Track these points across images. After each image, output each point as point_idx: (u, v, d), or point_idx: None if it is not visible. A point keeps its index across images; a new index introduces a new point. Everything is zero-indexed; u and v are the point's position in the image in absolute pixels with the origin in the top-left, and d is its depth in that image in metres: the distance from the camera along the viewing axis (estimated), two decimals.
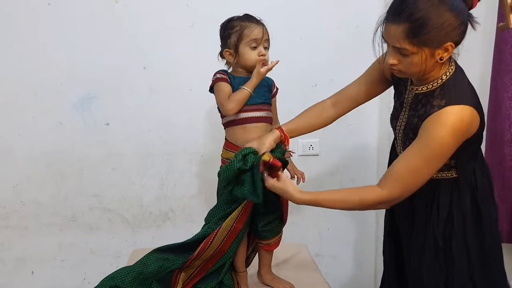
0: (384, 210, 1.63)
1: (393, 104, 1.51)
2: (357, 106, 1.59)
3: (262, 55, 1.50)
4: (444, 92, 1.31)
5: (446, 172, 1.37)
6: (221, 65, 1.59)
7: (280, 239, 1.63)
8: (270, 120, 1.58)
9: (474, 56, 2.11)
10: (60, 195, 2.14)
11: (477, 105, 1.30)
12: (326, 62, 2.12)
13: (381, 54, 1.34)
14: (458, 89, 1.31)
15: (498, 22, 1.84)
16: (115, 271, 1.53)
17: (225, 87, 1.51)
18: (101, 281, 1.51)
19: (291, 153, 1.62)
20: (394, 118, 1.49)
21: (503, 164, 1.93)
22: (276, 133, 1.51)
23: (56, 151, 2.10)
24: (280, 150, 1.49)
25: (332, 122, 1.61)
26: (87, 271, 2.21)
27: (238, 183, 1.45)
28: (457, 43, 1.26)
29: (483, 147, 2.02)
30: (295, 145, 2.18)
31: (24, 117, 2.06)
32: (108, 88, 2.07)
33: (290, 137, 1.55)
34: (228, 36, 1.51)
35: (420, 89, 1.35)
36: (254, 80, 1.49)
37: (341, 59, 2.09)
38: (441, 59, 1.26)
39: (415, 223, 1.46)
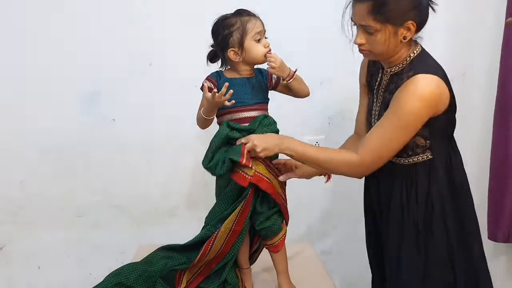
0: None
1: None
2: None
3: (267, 46, 1.49)
4: (412, 66, 1.38)
5: (421, 155, 1.41)
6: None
7: (284, 237, 1.58)
8: None
9: (482, 51, 2.09)
10: (66, 191, 2.15)
11: (445, 80, 1.35)
12: (332, 59, 2.10)
13: (350, 36, 1.42)
14: (425, 62, 1.39)
15: (507, 17, 1.82)
16: (120, 267, 1.54)
17: (204, 101, 1.50)
18: (106, 277, 1.51)
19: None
20: (369, 113, 1.54)
21: (506, 163, 1.91)
22: None
23: (62, 147, 2.11)
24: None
25: None
26: (93, 266, 2.21)
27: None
28: (419, 23, 1.34)
29: (489, 144, 2.01)
30: None
31: (31, 112, 2.07)
32: (114, 84, 2.07)
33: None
34: (230, 34, 1.47)
35: (393, 69, 1.43)
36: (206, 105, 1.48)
37: (347, 55, 2.08)
38: (404, 38, 1.34)
39: (391, 208, 1.48)
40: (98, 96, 2.08)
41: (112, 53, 2.04)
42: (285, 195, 1.57)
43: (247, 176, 1.42)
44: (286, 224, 1.59)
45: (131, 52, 2.05)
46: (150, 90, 2.09)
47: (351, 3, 1.37)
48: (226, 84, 1.42)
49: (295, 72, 1.54)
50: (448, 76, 1.39)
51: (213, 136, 1.51)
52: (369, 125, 1.55)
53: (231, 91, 1.42)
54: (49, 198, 2.14)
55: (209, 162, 1.47)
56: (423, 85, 1.31)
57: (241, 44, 1.47)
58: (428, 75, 1.32)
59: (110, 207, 2.18)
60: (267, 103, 1.58)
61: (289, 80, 1.53)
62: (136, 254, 1.86)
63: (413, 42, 1.41)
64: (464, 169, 1.50)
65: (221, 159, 1.44)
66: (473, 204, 1.51)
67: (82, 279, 2.20)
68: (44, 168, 2.12)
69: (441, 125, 1.38)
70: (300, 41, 2.08)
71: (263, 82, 1.57)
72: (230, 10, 1.53)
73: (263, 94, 1.56)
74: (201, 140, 2.15)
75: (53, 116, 2.08)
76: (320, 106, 2.14)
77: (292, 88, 1.57)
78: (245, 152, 1.38)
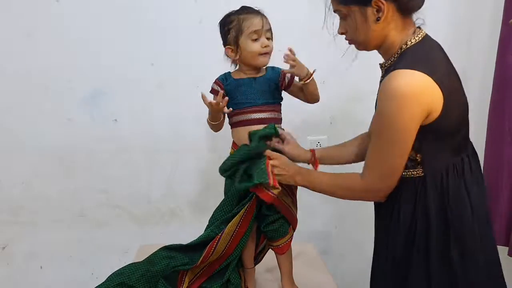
0: None
1: None
2: None
3: (265, 46, 1.44)
4: (401, 59, 1.19)
5: (411, 170, 1.22)
6: (228, 62, 1.56)
7: (290, 240, 1.57)
8: (276, 121, 1.52)
9: (478, 52, 2.08)
10: (68, 191, 2.15)
11: (439, 79, 1.13)
12: (334, 58, 2.09)
13: (333, 29, 1.33)
14: (415, 56, 1.17)
15: (505, 18, 1.81)
16: (123, 267, 1.54)
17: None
18: (109, 277, 1.51)
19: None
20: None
21: (502, 165, 1.90)
22: (308, 154, 1.54)
23: (64, 147, 2.11)
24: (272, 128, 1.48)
25: None
26: (95, 266, 2.22)
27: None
28: (396, 1, 1.17)
29: (482, 146, 1.99)
30: (303, 142, 2.15)
31: (33, 113, 2.07)
32: (116, 85, 2.07)
33: (321, 163, 1.56)
34: (228, 32, 1.45)
35: (387, 63, 1.26)
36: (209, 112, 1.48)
37: (351, 56, 2.07)
38: (378, 20, 1.18)
39: (375, 228, 1.38)
40: (100, 97, 2.07)
41: (113, 53, 2.04)
42: (295, 204, 1.56)
43: (272, 194, 1.38)
44: (293, 230, 1.58)
45: (132, 52, 2.04)
46: (152, 90, 2.09)
47: None
48: (221, 92, 1.41)
49: (313, 72, 1.46)
50: None
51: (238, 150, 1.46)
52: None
53: (226, 98, 1.42)
54: (51, 198, 2.15)
55: (226, 172, 1.44)
56: (399, 82, 1.10)
57: (236, 43, 1.45)
58: (407, 70, 1.11)
59: (111, 207, 2.18)
60: (279, 104, 1.54)
61: (306, 80, 1.46)
62: (138, 254, 1.87)
63: (412, 28, 1.22)
64: (469, 188, 1.21)
65: (243, 171, 1.39)
66: (473, 231, 1.21)
67: (84, 279, 2.21)
68: (46, 168, 2.12)
69: (434, 135, 1.17)
70: (302, 41, 2.07)
71: (274, 82, 1.52)
72: (230, 9, 1.53)
73: (272, 94, 1.51)
74: (203, 140, 2.16)
75: (53, 116, 2.08)
76: (321, 105, 2.12)
77: (307, 90, 1.49)
78: (270, 171, 1.34)
